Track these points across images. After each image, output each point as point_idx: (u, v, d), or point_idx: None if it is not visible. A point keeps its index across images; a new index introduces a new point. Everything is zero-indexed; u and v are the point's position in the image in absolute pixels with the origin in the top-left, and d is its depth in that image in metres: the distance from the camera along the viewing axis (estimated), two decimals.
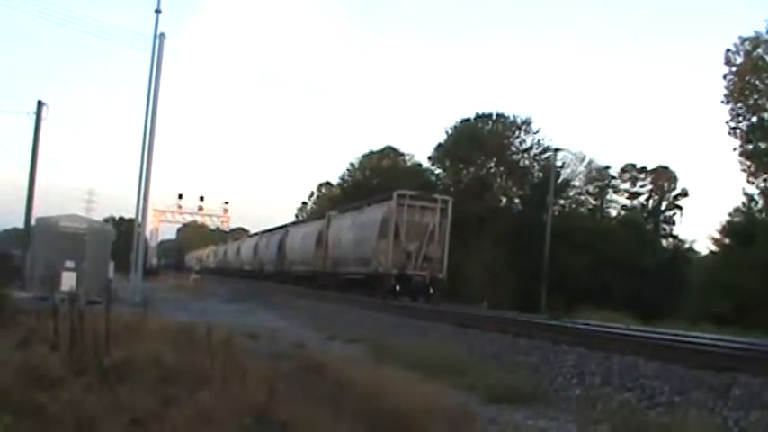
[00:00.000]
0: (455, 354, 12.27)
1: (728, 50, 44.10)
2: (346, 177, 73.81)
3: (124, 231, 35.07)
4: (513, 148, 57.21)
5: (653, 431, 7.15)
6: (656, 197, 63.83)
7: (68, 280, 20.74)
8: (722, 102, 44.29)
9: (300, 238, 44.14)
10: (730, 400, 7.92)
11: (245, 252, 65.26)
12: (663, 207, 63.60)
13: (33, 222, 28.81)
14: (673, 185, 63.57)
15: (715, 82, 60.10)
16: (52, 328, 8.83)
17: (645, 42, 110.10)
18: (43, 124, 32.56)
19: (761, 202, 44.15)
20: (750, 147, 43.33)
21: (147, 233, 46.70)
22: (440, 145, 59.84)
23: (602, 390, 9.25)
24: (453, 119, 71.25)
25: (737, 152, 44.04)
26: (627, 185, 64.30)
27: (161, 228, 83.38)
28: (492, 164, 57.07)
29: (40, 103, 32.80)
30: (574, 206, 59.42)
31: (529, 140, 57.02)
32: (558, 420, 7.98)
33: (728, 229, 44.31)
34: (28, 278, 22.99)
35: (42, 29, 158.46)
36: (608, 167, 62.20)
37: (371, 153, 72.78)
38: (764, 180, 43.02)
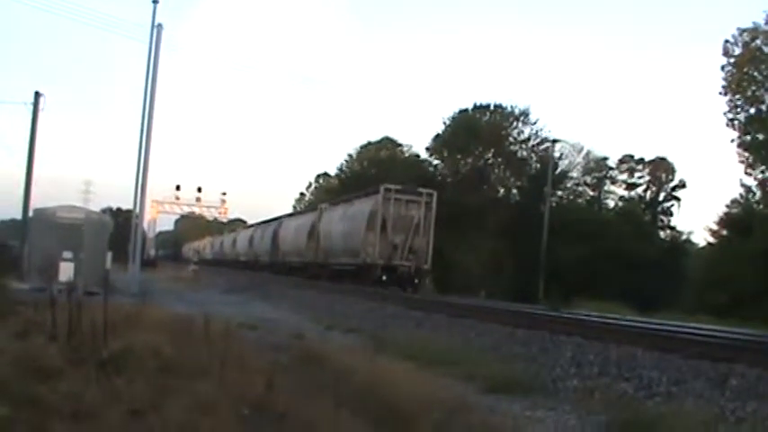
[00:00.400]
0: (453, 344, 12.31)
1: (727, 41, 44.08)
2: (344, 168, 73.78)
3: (122, 222, 35.03)
4: (511, 139, 57.21)
5: (650, 421, 7.17)
6: (654, 188, 63.84)
7: (66, 271, 20.67)
8: (720, 93, 44.30)
9: (293, 230, 44.85)
10: (727, 391, 7.95)
11: (240, 243, 65.42)
12: (661, 198, 63.63)
13: (31, 213, 28.74)
14: (671, 177, 63.60)
15: (713, 73, 60.03)
16: (50, 319, 8.83)
17: (643, 33, 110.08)
18: (41, 115, 32.50)
19: (758, 194, 44.20)
20: (748, 138, 43.32)
21: (145, 224, 46.70)
22: (437, 136, 59.84)
23: (599, 380, 9.27)
24: (451, 109, 71.30)
25: (735, 143, 44.09)
26: (625, 176, 64.36)
27: (159, 219, 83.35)
28: (490, 155, 57.07)
29: (37, 94, 32.71)
30: (571, 197, 59.49)
31: (527, 131, 57.15)
32: (556, 410, 7.99)
33: (726, 221, 44.38)
34: (26, 269, 22.90)
35: (39, 19, 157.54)
36: (606, 158, 62.40)
37: (369, 144, 72.77)
38: (762, 171, 43.04)
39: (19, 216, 33.79)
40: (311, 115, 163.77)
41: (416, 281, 29.45)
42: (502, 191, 57.81)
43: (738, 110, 43.83)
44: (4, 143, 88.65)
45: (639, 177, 64.27)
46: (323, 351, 10.51)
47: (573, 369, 9.98)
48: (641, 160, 64.10)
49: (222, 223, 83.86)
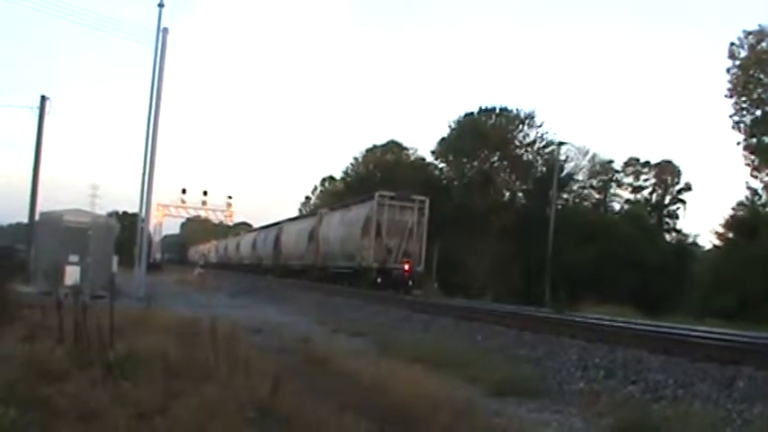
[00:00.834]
0: (459, 347, 12.30)
1: (732, 44, 44.06)
2: (350, 172, 73.77)
3: (128, 226, 35.07)
4: (517, 142, 57.14)
5: (657, 424, 7.15)
6: (660, 191, 63.68)
7: (72, 274, 20.74)
8: (726, 96, 44.26)
9: (295, 234, 45.95)
10: (734, 393, 7.92)
11: (244, 247, 65.75)
12: (666, 201, 63.46)
13: (37, 217, 28.81)
14: (676, 179, 63.43)
15: (719, 76, 59.90)
16: (57, 323, 8.85)
17: (649, 36, 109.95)
18: (47, 119, 32.57)
19: (764, 196, 44.15)
20: (754, 141, 43.28)
21: (151, 227, 46.79)
22: (443, 139, 59.78)
23: (606, 383, 9.25)
24: (457, 113, 71.19)
25: (741, 146, 44.07)
26: (630, 179, 64.22)
27: (165, 222, 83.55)
28: (495, 158, 57.04)
29: (43, 98, 32.77)
30: (577, 200, 59.36)
31: (532, 134, 57.03)
32: (563, 413, 7.98)
33: (732, 224, 44.26)
34: (32, 273, 22.96)
35: (45, 23, 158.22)
36: (611, 161, 62.23)
37: (375, 147, 72.74)
38: None
39: (25, 220, 33.87)
40: (317, 119, 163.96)
41: (410, 283, 30.47)
42: (507, 194, 57.73)
43: (744, 112, 43.80)
44: (11, 147, 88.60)
45: (645, 180, 64.16)
46: (329, 354, 10.52)
47: (579, 372, 9.97)
48: (647, 163, 64.01)
49: (228, 227, 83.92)
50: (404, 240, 31.08)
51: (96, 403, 6.05)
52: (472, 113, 58.77)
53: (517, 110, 57.50)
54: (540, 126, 56.60)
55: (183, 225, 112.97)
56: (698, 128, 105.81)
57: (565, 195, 55.72)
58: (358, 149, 79.66)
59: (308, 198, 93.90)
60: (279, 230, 51.25)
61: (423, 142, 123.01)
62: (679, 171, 63.33)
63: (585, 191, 61.02)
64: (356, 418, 6.10)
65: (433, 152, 61.50)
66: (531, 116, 56.89)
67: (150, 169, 25.89)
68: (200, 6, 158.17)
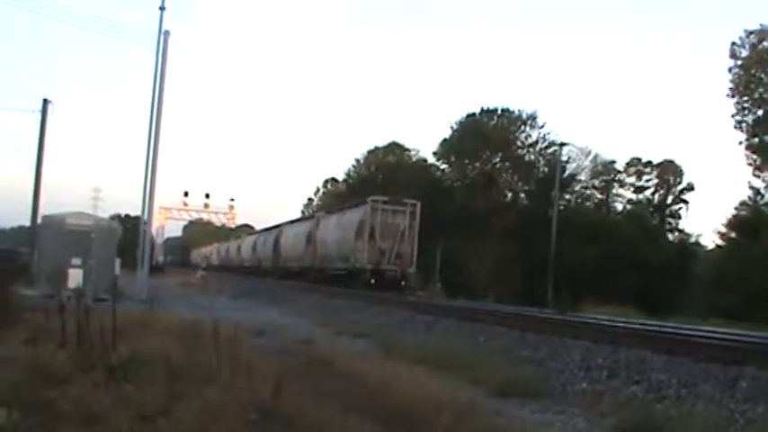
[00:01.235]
0: (461, 348, 12.28)
1: (734, 43, 44.02)
2: (351, 173, 73.77)
3: (130, 228, 35.09)
4: (519, 143, 57.18)
5: (660, 424, 7.14)
6: (662, 191, 63.61)
7: (75, 277, 20.74)
8: (728, 95, 44.23)
9: (293, 237, 46.65)
10: (737, 393, 7.91)
11: (245, 250, 65.97)
12: (669, 201, 63.40)
13: (40, 220, 28.84)
14: (678, 179, 63.37)
15: (720, 75, 59.86)
16: (59, 326, 8.86)
17: (650, 36, 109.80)
18: (49, 122, 32.63)
19: (767, 196, 44.06)
20: (756, 140, 43.22)
21: (153, 230, 46.88)
22: (445, 140, 59.78)
23: (609, 383, 9.24)
24: (458, 114, 71.10)
25: (743, 146, 44.01)
26: (632, 179, 64.16)
27: (167, 225, 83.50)
28: (497, 159, 57.05)
29: (45, 101, 32.83)
30: (579, 200, 59.34)
31: (534, 135, 57.08)
32: (566, 414, 7.98)
33: (734, 223, 44.25)
34: (35, 276, 22.97)
35: (47, 27, 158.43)
36: (613, 162, 62.21)
37: (377, 149, 72.67)
38: None
39: (28, 223, 33.90)
40: (319, 120, 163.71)
41: (402, 283, 31.37)
42: (510, 195, 57.73)
43: (746, 112, 43.76)
44: (13, 150, 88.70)
45: (647, 180, 64.10)
46: (331, 356, 10.52)
47: (582, 373, 9.95)
48: (649, 163, 63.95)
49: (230, 229, 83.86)
50: (396, 243, 32.05)
51: (99, 406, 6.06)
52: (474, 114, 58.84)
53: (519, 110, 57.64)
54: (541, 127, 56.75)
55: (185, 228, 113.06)
56: (700, 128, 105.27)
57: (567, 196, 55.71)
58: (360, 151, 79.60)
59: (310, 200, 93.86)
60: (278, 233, 51.72)
61: (424, 143, 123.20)
62: (681, 171, 63.33)
63: (588, 191, 61.03)
64: (360, 418, 6.11)
65: (434, 153, 61.63)
66: (532, 117, 57.02)
67: (152, 172, 25.94)
68: (201, 9, 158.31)
